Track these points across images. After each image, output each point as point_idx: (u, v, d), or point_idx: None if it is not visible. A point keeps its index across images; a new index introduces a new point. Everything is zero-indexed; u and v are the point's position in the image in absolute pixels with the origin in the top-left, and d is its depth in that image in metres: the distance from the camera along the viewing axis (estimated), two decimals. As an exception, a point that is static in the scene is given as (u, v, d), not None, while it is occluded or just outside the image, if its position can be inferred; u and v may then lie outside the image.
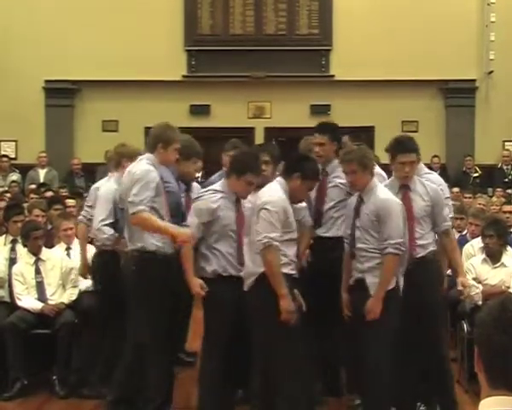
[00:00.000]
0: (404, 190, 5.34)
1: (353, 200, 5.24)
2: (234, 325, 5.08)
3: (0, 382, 6.12)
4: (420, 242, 5.26)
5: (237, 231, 5.20)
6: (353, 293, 5.16)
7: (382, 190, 5.15)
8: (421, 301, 5.13)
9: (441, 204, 5.39)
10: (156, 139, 5.27)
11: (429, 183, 5.45)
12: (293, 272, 5.01)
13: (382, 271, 4.99)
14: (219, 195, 5.21)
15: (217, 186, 5.31)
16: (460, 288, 5.48)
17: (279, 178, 5.19)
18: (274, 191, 5.03)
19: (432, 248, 5.33)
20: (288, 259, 4.96)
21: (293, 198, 5.09)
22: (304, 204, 5.44)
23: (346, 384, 5.95)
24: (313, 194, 5.69)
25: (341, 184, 5.68)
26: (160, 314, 5.16)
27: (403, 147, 5.32)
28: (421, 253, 5.26)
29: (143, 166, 5.16)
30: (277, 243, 4.83)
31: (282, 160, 5.74)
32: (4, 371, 6.14)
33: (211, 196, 5.23)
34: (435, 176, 6.03)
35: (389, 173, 5.70)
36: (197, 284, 5.09)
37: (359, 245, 5.09)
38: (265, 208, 4.89)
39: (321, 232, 5.74)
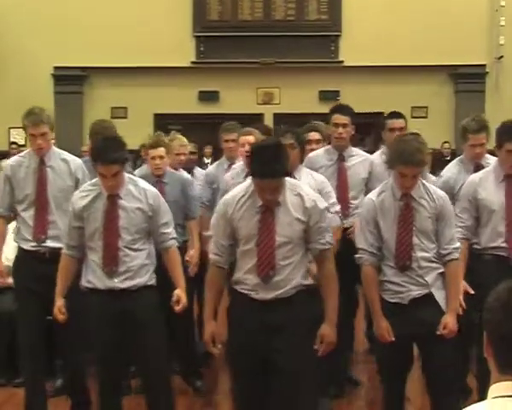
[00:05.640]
0: (509, 179, 4.75)
1: (371, 202, 4.26)
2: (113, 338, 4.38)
3: (10, 368, 6.15)
4: None
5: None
6: (419, 309, 4.18)
7: (430, 184, 4.41)
8: None
9: None
10: None
11: None
12: (244, 291, 3.90)
13: (453, 280, 4.24)
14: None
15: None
16: None
17: None
18: (236, 189, 4.06)
19: None
20: (241, 273, 3.93)
21: None
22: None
23: None
24: (334, 183, 5.27)
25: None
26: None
27: (511, 134, 4.68)
28: None
29: None
30: (213, 258, 3.99)
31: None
32: (15, 358, 6.16)
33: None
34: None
35: None
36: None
37: (420, 254, 4.18)
38: None
39: (349, 224, 5.28)
